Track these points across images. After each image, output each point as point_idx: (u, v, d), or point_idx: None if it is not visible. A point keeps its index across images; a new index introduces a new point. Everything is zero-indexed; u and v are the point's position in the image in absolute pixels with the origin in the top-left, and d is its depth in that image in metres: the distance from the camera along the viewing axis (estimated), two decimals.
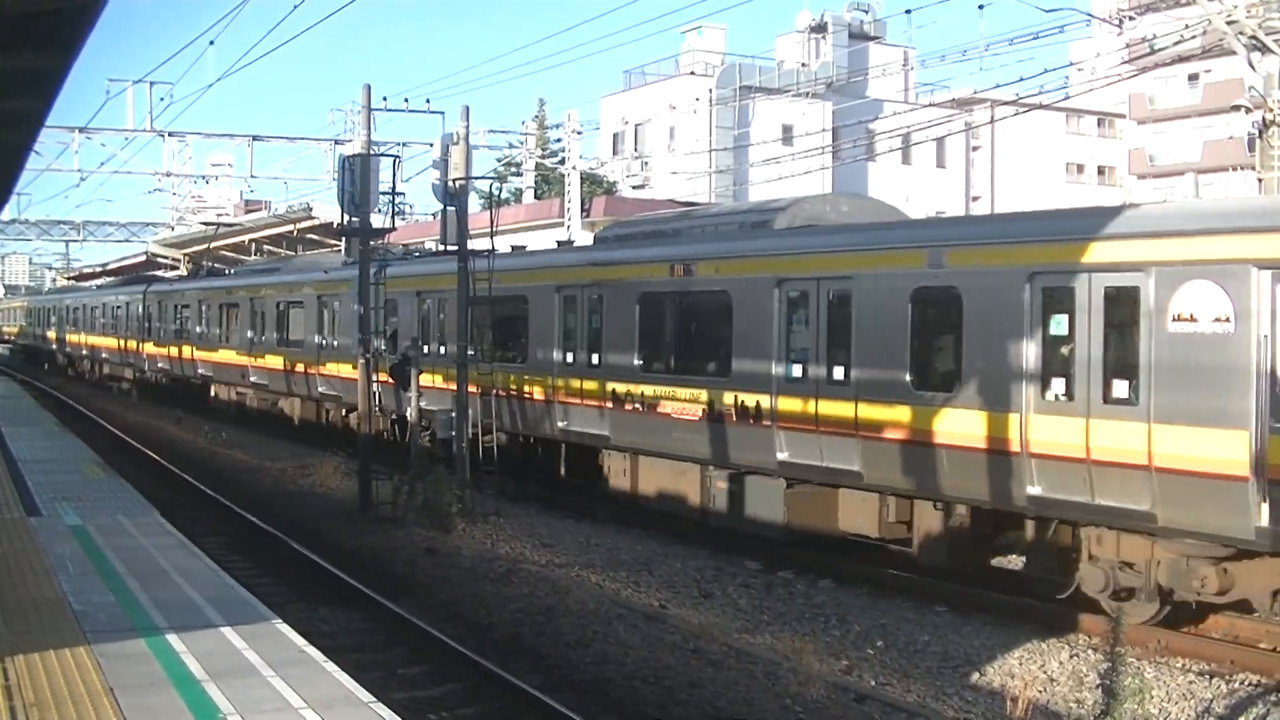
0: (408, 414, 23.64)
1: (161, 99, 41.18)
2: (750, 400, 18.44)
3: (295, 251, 55.39)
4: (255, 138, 47.97)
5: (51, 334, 71.84)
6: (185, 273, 60.74)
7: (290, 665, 9.65)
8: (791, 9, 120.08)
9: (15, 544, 14.53)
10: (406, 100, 38.09)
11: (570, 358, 22.75)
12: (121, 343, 52.97)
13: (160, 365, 47.12)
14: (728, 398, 18.86)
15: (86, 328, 60.71)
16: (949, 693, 12.85)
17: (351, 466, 24.74)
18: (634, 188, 65.32)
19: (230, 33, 36.78)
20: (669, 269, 20.54)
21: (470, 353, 23.86)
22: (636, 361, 21.07)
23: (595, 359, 22.11)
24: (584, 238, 42.30)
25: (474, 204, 32.62)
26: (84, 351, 62.11)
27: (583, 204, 44.80)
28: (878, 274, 16.80)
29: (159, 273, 62.94)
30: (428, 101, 40.29)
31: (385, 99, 36.54)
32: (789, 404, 17.91)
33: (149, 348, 48.35)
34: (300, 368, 33.49)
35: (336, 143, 45.58)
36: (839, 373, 17.31)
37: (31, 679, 9.16)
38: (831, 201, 20.64)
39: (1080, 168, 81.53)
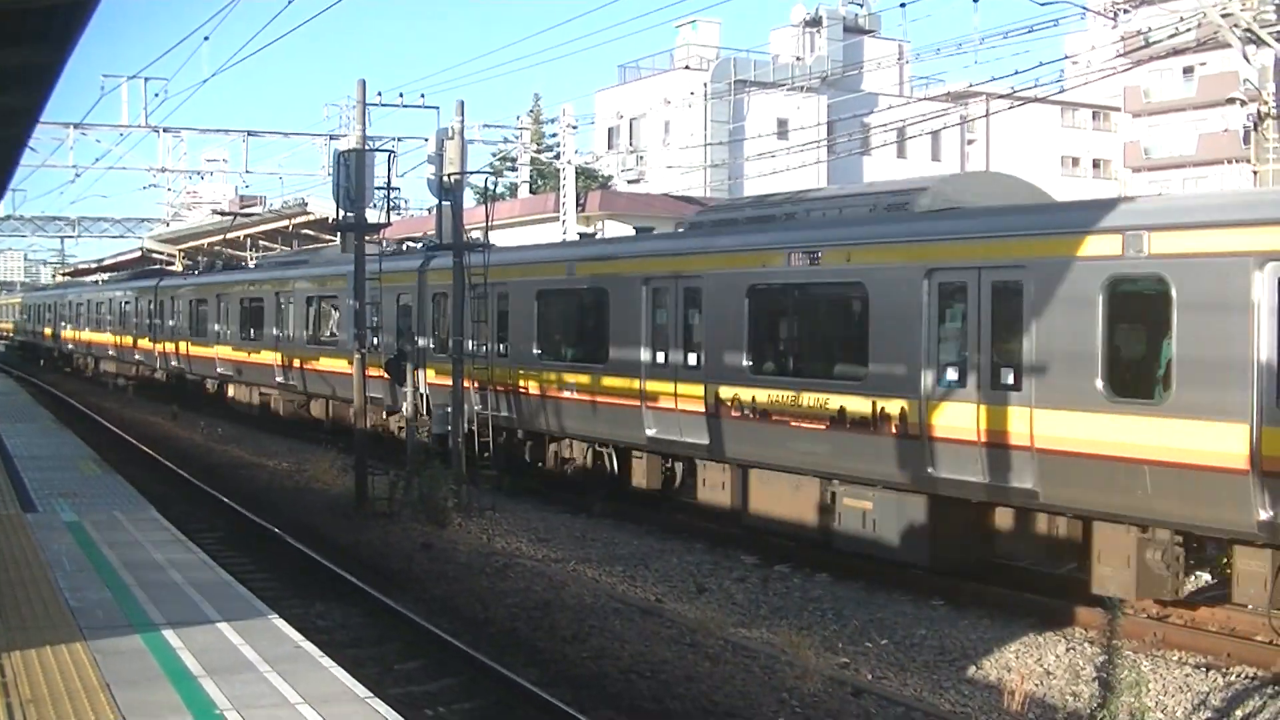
0: (404, 409, 23.62)
1: (156, 95, 41.07)
2: (892, 407, 16.18)
3: (290, 246, 55.32)
4: (250, 133, 47.91)
5: (50, 330, 71.06)
6: (181, 267, 60.57)
7: (286, 661, 9.65)
8: (786, 3, 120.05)
9: (11, 541, 14.52)
10: (401, 95, 38.17)
11: (661, 358, 20.36)
12: (130, 340, 51.10)
13: (174, 364, 45.36)
14: (862, 404, 16.61)
15: (91, 324, 58.74)
16: (946, 686, 12.87)
17: (348, 462, 24.74)
18: (629, 182, 65.32)
19: (225, 28, 36.92)
20: (785, 257, 18.06)
21: (537, 351, 23.05)
22: (745, 362, 18.65)
23: (693, 359, 19.69)
24: (579, 232, 42.33)
25: (469, 199, 32.58)
26: (88, 349, 60.06)
27: (578, 198, 44.82)
28: (1058, 262, 14.57)
29: (169, 266, 62.28)
30: (422, 96, 40.45)
31: (380, 94, 36.67)
32: (943, 412, 15.71)
33: (161, 346, 46.49)
34: (336, 368, 30.62)
35: (331, 138, 45.61)
36: (1008, 376, 15.06)
37: (28, 675, 9.16)
38: (972, 182, 18.00)
39: (1075, 161, 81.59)
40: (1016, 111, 57.50)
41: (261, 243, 59.69)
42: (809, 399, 17.41)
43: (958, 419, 15.50)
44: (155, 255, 69.83)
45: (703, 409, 19.26)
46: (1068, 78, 38.22)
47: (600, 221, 45.74)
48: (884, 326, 16.55)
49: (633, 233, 33.62)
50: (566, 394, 22.38)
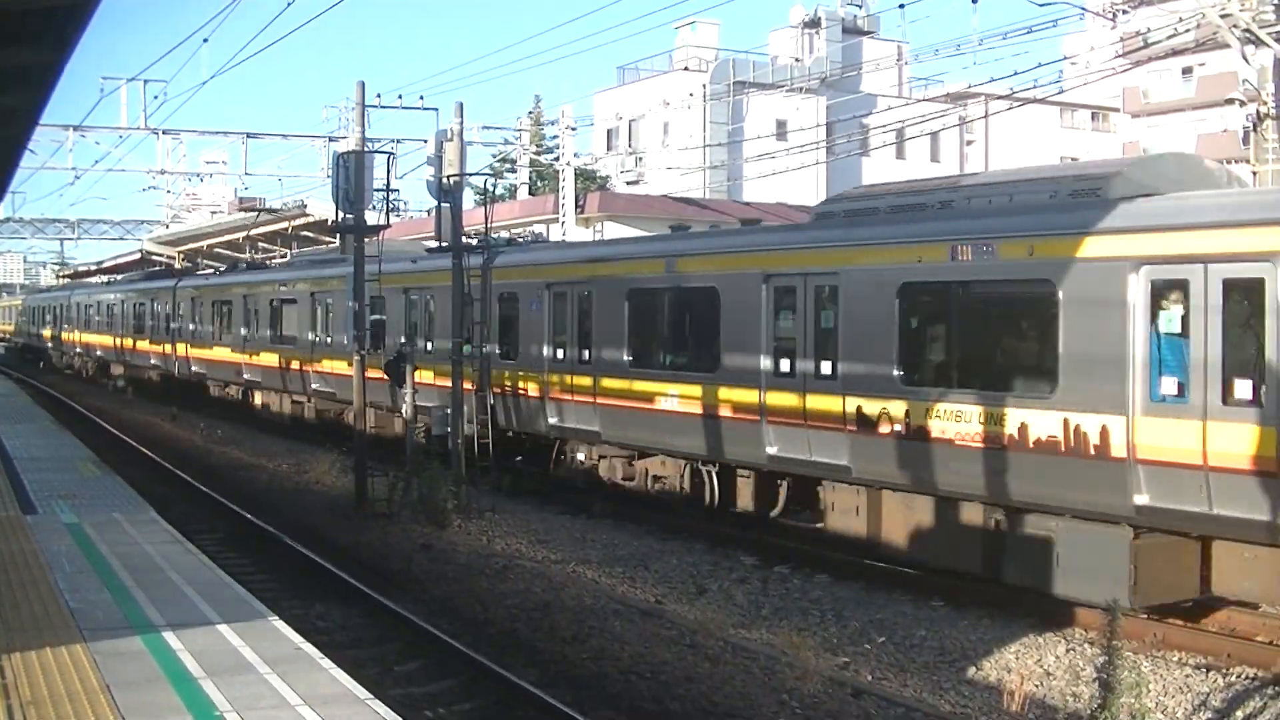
0: (403, 411, 23.60)
1: (156, 97, 41.26)
2: (1089, 424, 13.98)
3: (290, 248, 55.22)
4: (249, 135, 48.04)
5: (51, 332, 70.45)
6: (180, 268, 60.30)
7: (287, 662, 9.65)
8: (785, 4, 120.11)
9: (11, 542, 14.51)
10: (400, 97, 38.30)
11: (785, 366, 18.05)
12: (144, 344, 48.59)
13: (193, 369, 42.81)
14: (1050, 420, 14.41)
15: (100, 327, 56.35)
16: (946, 687, 12.87)
17: (347, 463, 24.74)
18: (628, 183, 65.36)
19: (224, 30, 36.86)
20: (948, 250, 15.75)
21: (628, 358, 21.08)
22: (895, 372, 16.40)
23: (826, 368, 17.40)
24: (579, 234, 42.30)
25: (469, 200, 32.53)
26: (97, 353, 57.51)
27: (577, 200, 44.86)
28: None
29: (172, 267, 61.45)
30: (421, 98, 40.34)
31: (379, 96, 36.74)
32: (1156, 430, 13.51)
33: (181, 349, 43.89)
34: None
35: (330, 140, 45.68)
36: (1244, 389, 12.89)
37: (28, 677, 9.15)
38: (1161, 165, 16.07)
39: (1074, 162, 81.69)
40: (1015, 112, 57.64)
41: (261, 244, 59.66)
42: (979, 414, 15.20)
43: (1176, 439, 13.35)
44: (155, 257, 69.81)
45: (839, 424, 17.05)
46: (1067, 78, 38.32)
47: (599, 223, 45.77)
48: (1079, 330, 14.28)
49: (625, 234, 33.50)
50: (665, 406, 20.15)
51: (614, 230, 43.36)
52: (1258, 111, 23.01)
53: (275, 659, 9.71)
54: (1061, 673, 13.21)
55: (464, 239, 24.86)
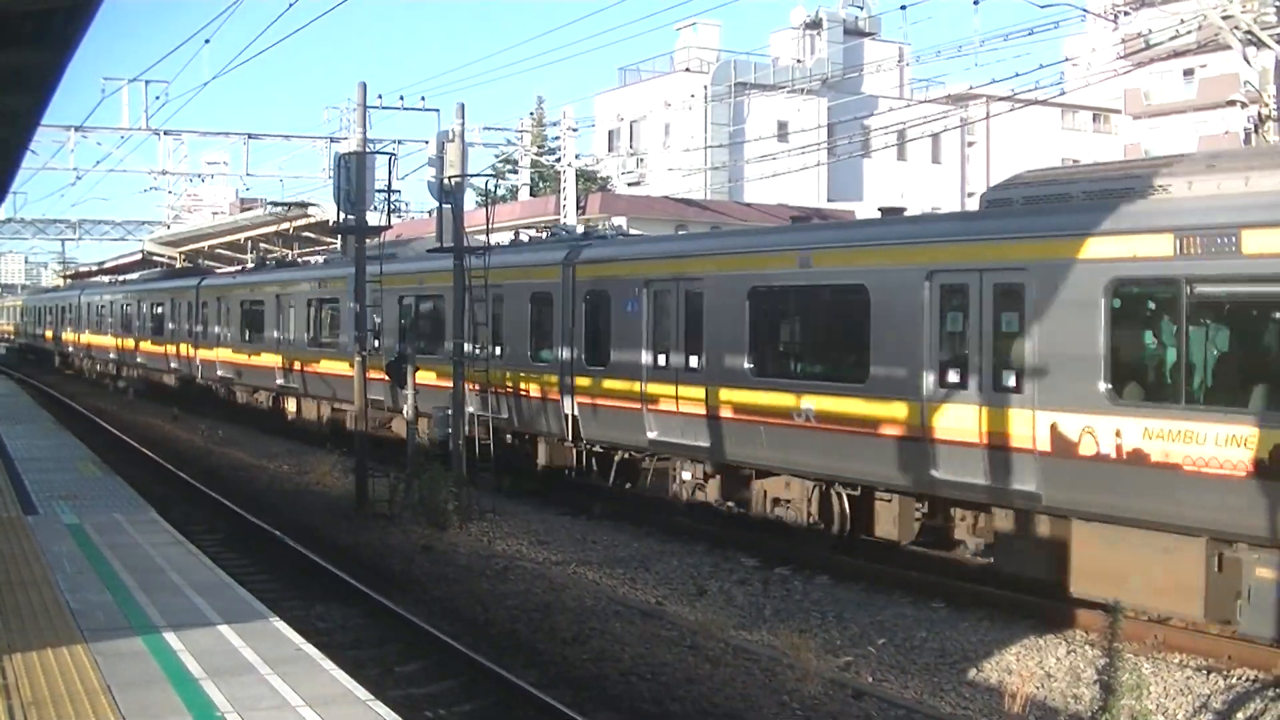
0: (404, 412, 23.59)
1: (157, 98, 41.39)
2: None
3: (291, 249, 55.20)
4: (251, 136, 48.08)
5: (56, 334, 70.05)
6: (177, 265, 60.22)
7: (287, 663, 9.66)
8: (786, 5, 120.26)
9: (12, 543, 14.52)
10: (402, 98, 38.29)
11: (955, 377, 15.69)
12: (162, 347, 46.43)
13: (220, 374, 40.83)
14: None
15: (111, 328, 54.50)
16: (946, 689, 12.87)
17: (348, 464, 24.74)
18: (629, 184, 65.37)
19: (226, 31, 36.83)
20: (1174, 243, 13.33)
21: (749, 366, 18.73)
22: (1104, 386, 13.94)
23: (1012, 380, 15.00)
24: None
25: (470, 202, 32.52)
26: (109, 355, 55.50)
27: (578, 201, 44.88)
28: None
29: (173, 267, 60.97)
30: (423, 99, 40.32)
31: (380, 97, 36.74)
32: None
33: (205, 352, 41.82)
34: (441, 382, 24.43)
35: (332, 140, 45.71)
36: None
37: (29, 677, 9.16)
38: None
39: (1075, 164, 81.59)
40: (1017, 114, 57.70)
41: (263, 245, 59.68)
42: (1216, 434, 12.83)
43: None
44: (156, 257, 69.91)
45: (1028, 445, 14.72)
46: (1068, 80, 38.38)
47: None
48: None
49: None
50: (797, 421, 17.78)
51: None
52: (1259, 113, 22.97)
53: (276, 660, 9.72)
54: (1062, 674, 13.21)
55: (562, 230, 23.89)
